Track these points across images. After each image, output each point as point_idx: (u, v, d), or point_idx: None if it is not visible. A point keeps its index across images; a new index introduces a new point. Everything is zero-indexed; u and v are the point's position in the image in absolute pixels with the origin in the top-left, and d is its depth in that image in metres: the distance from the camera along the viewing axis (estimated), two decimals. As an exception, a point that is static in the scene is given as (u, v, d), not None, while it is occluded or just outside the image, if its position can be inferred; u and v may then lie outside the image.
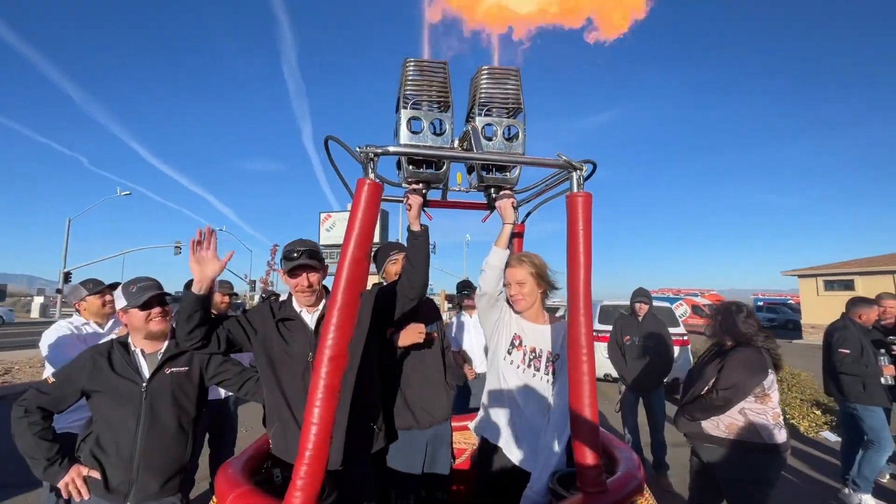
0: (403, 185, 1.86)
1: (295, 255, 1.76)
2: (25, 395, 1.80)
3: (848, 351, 3.41)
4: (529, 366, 1.86)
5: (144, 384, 1.83)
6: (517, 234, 2.30)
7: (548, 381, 1.86)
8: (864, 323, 3.71)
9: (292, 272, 1.76)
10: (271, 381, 1.76)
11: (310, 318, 1.83)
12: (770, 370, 2.28)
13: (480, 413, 1.97)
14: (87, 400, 1.88)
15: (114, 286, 2.65)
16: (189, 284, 1.68)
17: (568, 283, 1.58)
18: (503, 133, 1.84)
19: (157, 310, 1.86)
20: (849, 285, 20.91)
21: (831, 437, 5.40)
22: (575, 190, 1.61)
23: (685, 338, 8.09)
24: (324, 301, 1.87)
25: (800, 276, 22.60)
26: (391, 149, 1.54)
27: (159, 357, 1.90)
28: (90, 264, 30.00)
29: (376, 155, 1.47)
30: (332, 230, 20.14)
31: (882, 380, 3.45)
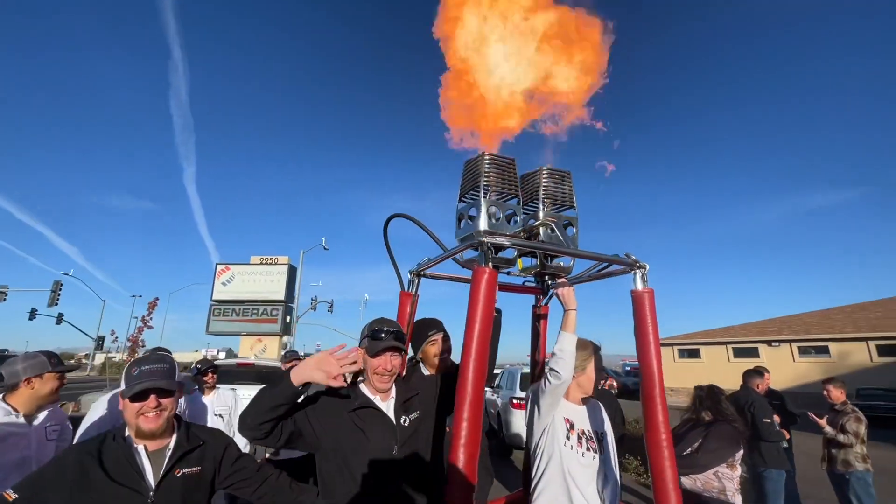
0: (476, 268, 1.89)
1: (382, 335, 1.64)
2: None
3: (769, 420, 4.06)
4: (588, 449, 1.92)
5: (151, 493, 1.45)
6: (543, 316, 2.43)
7: (602, 459, 1.95)
8: (760, 392, 4.49)
9: (378, 353, 1.63)
10: (346, 480, 1.53)
11: (386, 407, 1.68)
12: (741, 445, 2.86)
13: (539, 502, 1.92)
14: None
15: (69, 368, 2.08)
16: (289, 374, 1.47)
17: (643, 372, 1.73)
18: (561, 226, 2.03)
19: (150, 402, 1.49)
20: (694, 353, 24.96)
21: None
22: (639, 287, 1.83)
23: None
24: (394, 388, 1.74)
25: (665, 344, 26.31)
26: (507, 242, 1.60)
27: (167, 455, 1.54)
28: None
29: (493, 245, 1.51)
30: (230, 284, 17.54)
31: (783, 444, 4.15)
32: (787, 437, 4.20)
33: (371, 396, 1.68)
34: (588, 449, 1.93)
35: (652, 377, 1.68)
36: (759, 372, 4.68)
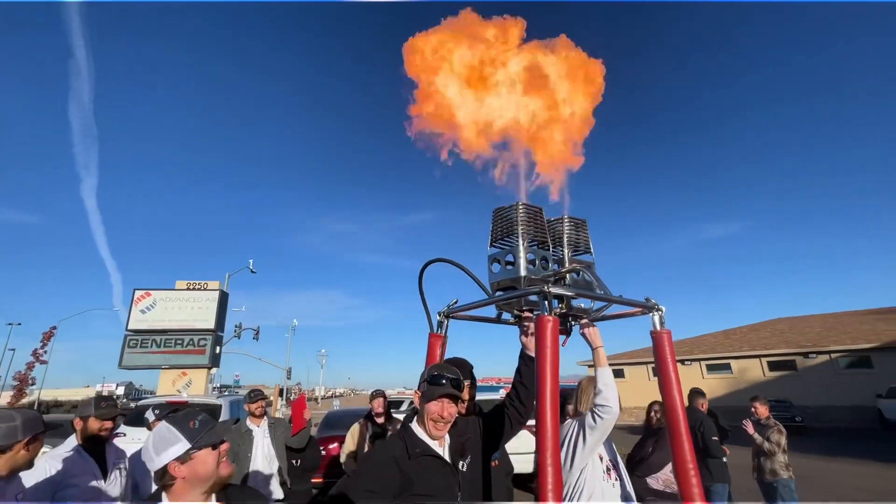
0: (516, 311, 1.99)
1: (443, 381, 1.64)
2: None
3: (717, 439, 4.51)
4: (616, 479, 2.06)
5: None
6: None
7: (621, 485, 2.09)
8: (703, 410, 5.00)
9: (434, 399, 1.64)
10: None
11: (442, 452, 1.67)
12: None
13: None
14: None
15: (51, 426, 1.78)
16: None
17: (667, 407, 1.91)
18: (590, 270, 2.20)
19: (225, 446, 1.46)
20: (618, 373, 26.77)
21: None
22: (658, 328, 2.03)
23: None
24: (446, 433, 1.74)
25: (588, 366, 27.92)
26: (563, 292, 1.72)
27: None
28: None
29: (552, 294, 1.62)
30: (151, 312, 15.54)
31: (724, 459, 4.63)
32: (728, 452, 4.69)
33: (429, 442, 1.67)
34: (617, 479, 2.07)
35: (676, 412, 1.86)
36: (701, 393, 5.22)
